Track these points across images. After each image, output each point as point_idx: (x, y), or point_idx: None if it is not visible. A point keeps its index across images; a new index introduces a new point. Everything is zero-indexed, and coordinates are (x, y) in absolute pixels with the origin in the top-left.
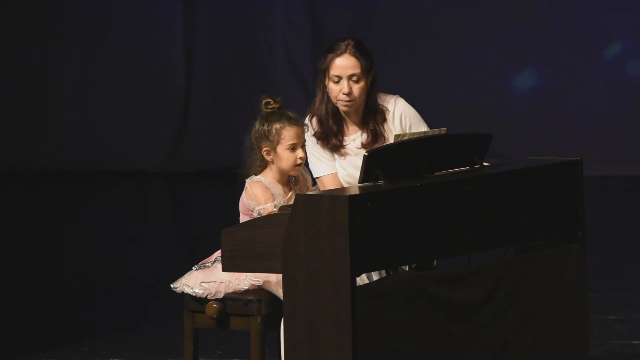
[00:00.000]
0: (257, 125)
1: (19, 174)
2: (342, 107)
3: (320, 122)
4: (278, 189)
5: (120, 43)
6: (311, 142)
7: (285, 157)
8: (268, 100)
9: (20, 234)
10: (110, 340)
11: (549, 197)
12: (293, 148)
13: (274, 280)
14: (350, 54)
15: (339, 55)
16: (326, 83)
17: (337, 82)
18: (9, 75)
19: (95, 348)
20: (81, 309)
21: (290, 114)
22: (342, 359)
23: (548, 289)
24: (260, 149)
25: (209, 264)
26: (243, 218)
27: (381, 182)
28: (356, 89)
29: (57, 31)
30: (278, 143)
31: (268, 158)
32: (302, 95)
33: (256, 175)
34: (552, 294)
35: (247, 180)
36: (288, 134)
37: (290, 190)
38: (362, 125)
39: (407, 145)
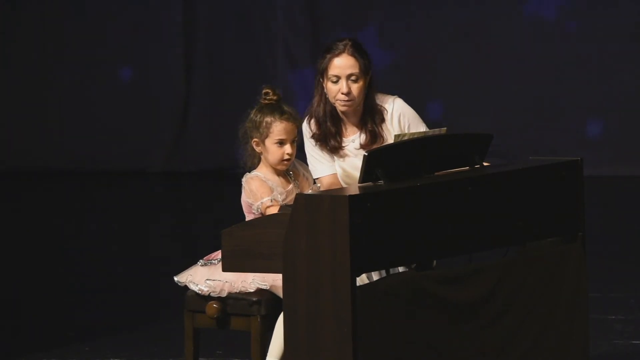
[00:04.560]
0: (251, 114)
1: (19, 174)
2: (340, 107)
3: (319, 123)
4: (275, 181)
5: (120, 43)
6: (310, 144)
7: (272, 151)
8: (267, 90)
9: (20, 234)
10: (110, 340)
11: (549, 197)
12: (281, 143)
13: (281, 285)
14: (348, 53)
15: (337, 55)
16: (324, 84)
17: (336, 82)
18: (9, 75)
19: (95, 348)
20: (81, 309)
21: (285, 108)
22: (342, 359)
23: (548, 289)
24: (251, 139)
25: (215, 261)
26: (248, 217)
27: (381, 182)
28: (355, 88)
29: (57, 31)
30: (267, 136)
31: (257, 149)
32: (302, 96)
33: (252, 170)
34: (552, 294)
35: (244, 178)
36: (277, 128)
37: (289, 183)
38: (361, 126)
39: (407, 145)
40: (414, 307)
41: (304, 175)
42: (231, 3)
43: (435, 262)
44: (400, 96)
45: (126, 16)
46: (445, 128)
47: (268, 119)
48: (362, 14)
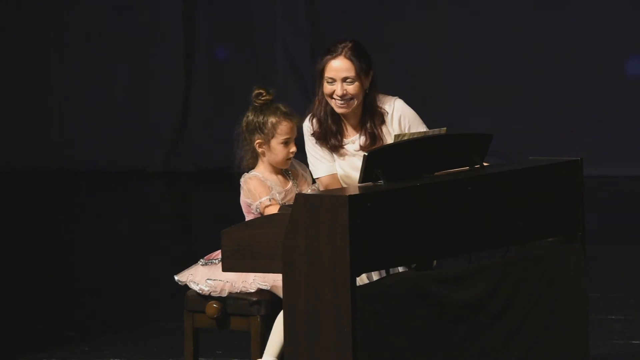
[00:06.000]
0: (250, 116)
1: (19, 174)
2: (336, 109)
3: (320, 122)
4: (274, 180)
5: (120, 43)
6: (310, 142)
7: (278, 151)
8: (260, 91)
9: (19, 233)
10: (110, 340)
11: (549, 197)
12: (286, 142)
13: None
14: (345, 56)
15: (334, 57)
16: (322, 84)
17: (332, 84)
18: (9, 75)
19: (95, 348)
20: (81, 309)
21: (283, 107)
22: (342, 359)
23: (548, 289)
24: (252, 141)
25: (216, 261)
26: (248, 217)
27: (381, 182)
28: (350, 90)
29: (57, 31)
30: (273, 137)
31: (259, 150)
32: (301, 95)
33: (249, 170)
34: (552, 294)
35: (242, 178)
36: (283, 128)
37: (287, 182)
38: (360, 127)
39: (407, 145)
40: (414, 307)
41: (302, 175)
42: (231, 3)
43: (435, 262)
44: (401, 97)
45: (126, 16)
46: (445, 128)
47: (273, 119)
48: (362, 14)
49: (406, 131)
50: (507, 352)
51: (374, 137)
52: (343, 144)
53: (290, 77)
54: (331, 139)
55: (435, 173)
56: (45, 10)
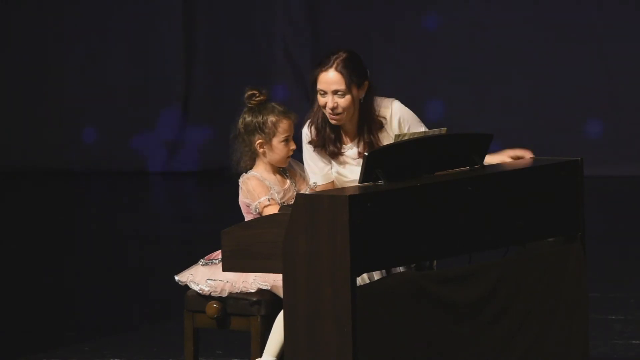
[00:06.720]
0: (247, 117)
1: (19, 174)
2: (330, 120)
3: (317, 129)
4: (272, 180)
5: (120, 43)
6: (308, 150)
7: (279, 149)
8: (253, 92)
9: (20, 234)
10: (110, 340)
11: (549, 197)
12: (287, 140)
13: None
14: (335, 69)
15: (324, 70)
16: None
17: (323, 96)
18: (9, 75)
19: (95, 348)
20: (81, 309)
21: (279, 106)
22: (342, 359)
23: (548, 288)
24: (252, 142)
25: (216, 261)
26: (247, 218)
27: (381, 182)
28: (341, 102)
29: (58, 31)
30: (274, 135)
31: (260, 150)
32: (302, 96)
33: (247, 170)
34: (552, 294)
35: (241, 179)
36: (283, 126)
37: (285, 181)
38: (358, 135)
39: (407, 145)
40: (414, 307)
41: (300, 174)
42: (231, 3)
43: (435, 262)
44: (399, 98)
45: (126, 15)
46: (445, 128)
47: (272, 118)
48: (362, 14)
49: (406, 132)
50: (507, 352)
51: (372, 145)
52: (342, 150)
53: (291, 77)
54: (330, 146)
55: (435, 173)
56: (45, 9)
